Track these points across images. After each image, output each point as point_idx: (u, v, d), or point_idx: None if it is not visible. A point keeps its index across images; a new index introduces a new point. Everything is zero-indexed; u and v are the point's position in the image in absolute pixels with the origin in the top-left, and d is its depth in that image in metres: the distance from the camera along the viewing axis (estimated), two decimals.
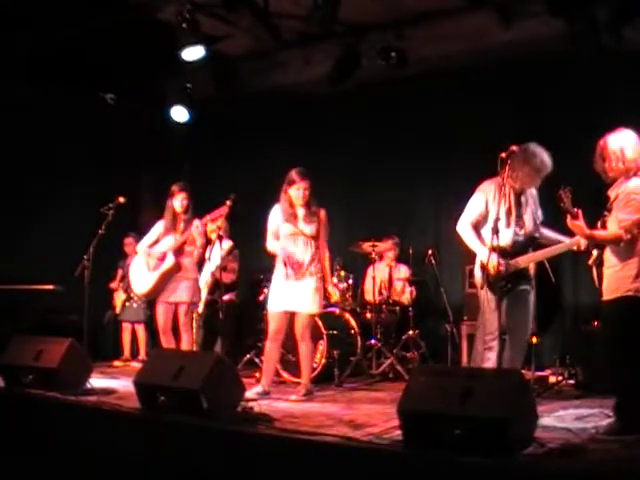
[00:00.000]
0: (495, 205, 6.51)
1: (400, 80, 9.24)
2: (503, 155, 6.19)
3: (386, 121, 10.02)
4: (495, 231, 6.03)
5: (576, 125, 8.37)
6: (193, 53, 8.92)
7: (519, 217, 6.67)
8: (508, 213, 6.57)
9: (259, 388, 7.32)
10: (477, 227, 6.74)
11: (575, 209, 5.49)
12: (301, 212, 7.39)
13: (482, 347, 6.61)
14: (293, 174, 7.34)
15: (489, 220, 6.59)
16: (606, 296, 5.42)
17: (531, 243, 6.73)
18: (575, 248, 6.36)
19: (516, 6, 7.83)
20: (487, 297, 6.63)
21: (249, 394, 7.21)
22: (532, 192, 6.79)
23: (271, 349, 7.46)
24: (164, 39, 8.89)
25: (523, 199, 6.70)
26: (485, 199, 6.66)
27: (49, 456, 6.20)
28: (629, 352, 5.25)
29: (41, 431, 6.41)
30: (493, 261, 6.37)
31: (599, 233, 5.47)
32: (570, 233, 6.00)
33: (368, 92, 9.73)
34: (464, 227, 6.78)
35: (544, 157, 6.55)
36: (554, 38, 7.68)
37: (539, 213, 6.82)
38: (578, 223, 5.47)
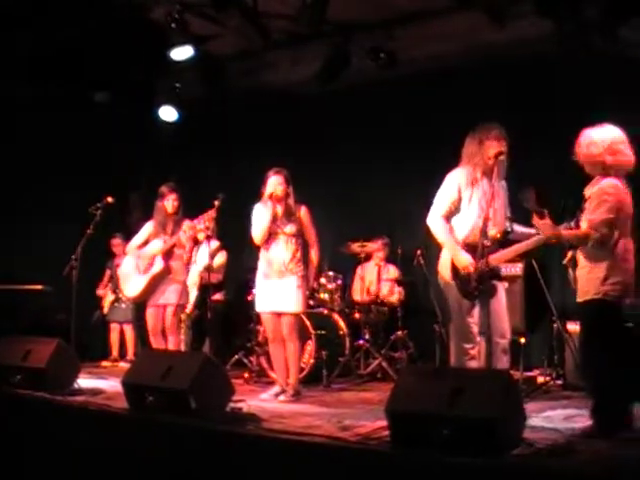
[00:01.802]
0: (468, 193, 6.25)
1: (389, 80, 9.24)
2: (491, 155, 6.16)
3: (375, 121, 10.02)
4: (484, 232, 5.99)
5: (565, 125, 8.36)
6: (182, 53, 8.92)
7: (492, 209, 6.22)
8: (481, 203, 6.22)
9: (276, 388, 7.45)
10: (449, 218, 6.32)
11: (542, 208, 5.48)
12: (279, 210, 7.43)
13: (464, 358, 6.21)
14: (269, 172, 7.44)
15: (461, 209, 6.29)
16: (579, 298, 5.41)
17: (502, 240, 6.27)
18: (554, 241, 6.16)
19: (504, 7, 7.84)
20: (458, 300, 6.25)
21: (265, 395, 7.28)
22: (503, 184, 6.46)
23: (274, 349, 7.58)
24: (153, 39, 8.87)
25: (494, 189, 6.21)
26: (458, 185, 6.28)
27: (37, 456, 6.18)
28: (603, 354, 5.25)
29: (29, 431, 6.39)
30: (466, 261, 6.12)
31: (566, 232, 5.45)
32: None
33: (358, 92, 9.72)
34: (436, 220, 6.34)
35: (487, 125, 6.26)
36: (543, 38, 7.69)
37: (508, 208, 6.48)
38: (544, 222, 5.45)
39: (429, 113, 9.53)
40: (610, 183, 5.34)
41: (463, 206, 6.30)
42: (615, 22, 7.17)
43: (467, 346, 6.20)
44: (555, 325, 7.86)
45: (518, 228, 6.32)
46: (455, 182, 6.31)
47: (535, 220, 5.51)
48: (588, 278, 5.34)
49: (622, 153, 5.36)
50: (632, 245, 5.41)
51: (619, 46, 7.36)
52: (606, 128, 5.44)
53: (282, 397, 7.23)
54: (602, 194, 5.31)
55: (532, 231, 6.19)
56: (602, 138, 5.38)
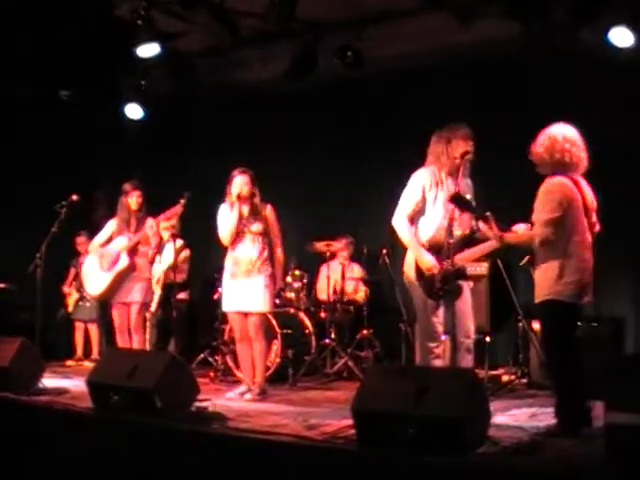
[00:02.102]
0: (433, 193, 6.22)
1: (359, 80, 9.24)
2: (457, 155, 6.17)
3: (343, 120, 10.03)
4: (449, 232, 6.00)
5: (532, 125, 8.42)
6: (148, 50, 8.84)
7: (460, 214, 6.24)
8: (445, 203, 6.16)
9: (242, 387, 7.43)
10: (413, 219, 6.29)
11: (486, 213, 5.51)
12: (245, 209, 7.41)
13: (429, 357, 6.21)
14: (234, 171, 7.43)
15: (426, 211, 6.27)
16: (536, 298, 5.44)
17: (468, 239, 6.25)
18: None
19: (472, 8, 7.86)
20: (423, 299, 6.24)
21: (231, 394, 7.26)
22: (468, 182, 6.43)
23: (241, 349, 7.55)
24: (119, 36, 8.81)
25: (460, 188, 6.19)
26: (422, 186, 6.24)
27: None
28: (562, 353, 5.30)
29: None
30: (430, 263, 6.09)
31: (511, 235, 5.51)
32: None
33: (325, 91, 9.73)
34: (400, 221, 6.31)
35: (454, 124, 6.26)
36: (510, 39, 7.72)
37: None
38: (489, 227, 5.50)
39: (396, 112, 9.56)
40: (555, 181, 5.34)
41: (428, 206, 6.28)
42: (579, 24, 7.23)
43: (432, 345, 6.19)
44: (520, 324, 7.91)
45: (484, 227, 6.17)
46: (419, 183, 6.28)
47: (482, 226, 5.56)
48: (542, 278, 5.36)
49: (570, 152, 5.35)
50: (589, 242, 5.41)
51: (584, 47, 7.42)
52: (557, 127, 5.45)
53: (248, 396, 7.22)
54: (546, 193, 5.32)
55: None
56: (550, 137, 5.41)
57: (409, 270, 6.31)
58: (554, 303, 5.27)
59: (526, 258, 5.56)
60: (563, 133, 5.40)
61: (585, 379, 5.25)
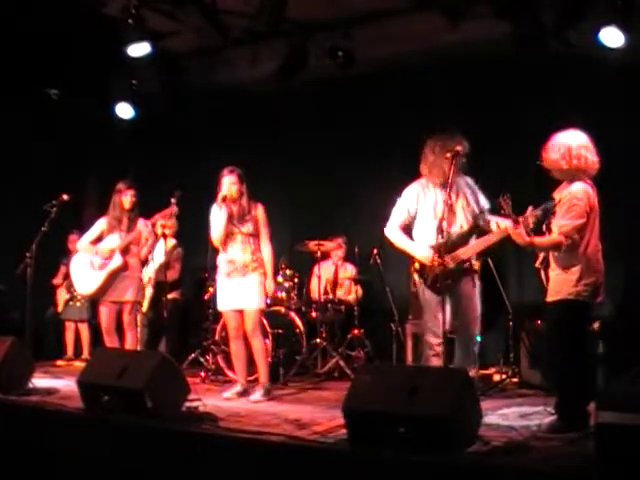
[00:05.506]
0: (423, 205, 6.51)
1: (349, 79, 9.24)
2: (448, 155, 6.20)
3: (333, 120, 10.02)
4: (439, 230, 6.03)
5: (522, 125, 8.44)
6: (139, 49, 8.81)
7: (450, 212, 6.43)
8: (434, 209, 6.50)
9: (238, 387, 7.38)
10: (404, 229, 6.74)
11: (515, 216, 5.55)
12: (235, 209, 7.37)
13: (429, 352, 6.44)
14: (224, 170, 7.37)
15: (418, 223, 6.62)
16: (549, 298, 5.51)
17: (470, 235, 6.58)
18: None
19: (463, 8, 7.88)
20: (427, 297, 6.52)
21: (227, 394, 7.23)
22: (467, 180, 6.67)
23: (236, 347, 7.48)
24: (110, 35, 8.79)
25: (453, 193, 6.45)
26: (411, 198, 6.67)
27: None
28: (570, 352, 5.34)
29: None
30: (426, 254, 6.39)
31: (538, 240, 5.54)
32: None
33: (316, 91, 9.73)
34: (392, 231, 6.79)
35: (443, 129, 6.46)
36: (501, 39, 7.74)
37: (482, 202, 6.71)
38: (518, 231, 5.53)
39: (387, 112, 9.55)
40: (580, 187, 5.43)
41: (419, 218, 6.57)
42: (567, 24, 7.25)
43: (434, 341, 6.34)
44: (511, 323, 7.92)
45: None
46: (406, 199, 6.68)
47: (511, 229, 5.60)
48: (561, 279, 5.44)
49: (587, 158, 5.46)
50: (600, 245, 5.54)
51: (574, 47, 7.44)
52: (571, 133, 5.53)
53: (256, 396, 7.11)
54: (572, 199, 5.41)
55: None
56: (567, 144, 5.48)
57: (414, 272, 6.61)
58: (572, 302, 5.38)
59: (540, 258, 5.58)
60: (577, 139, 5.51)
61: (591, 379, 5.32)
